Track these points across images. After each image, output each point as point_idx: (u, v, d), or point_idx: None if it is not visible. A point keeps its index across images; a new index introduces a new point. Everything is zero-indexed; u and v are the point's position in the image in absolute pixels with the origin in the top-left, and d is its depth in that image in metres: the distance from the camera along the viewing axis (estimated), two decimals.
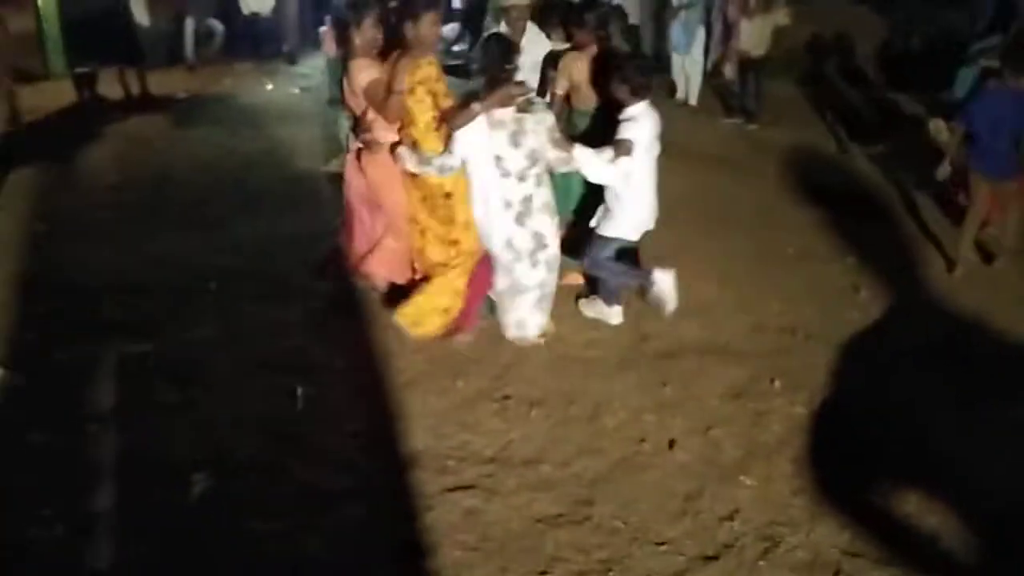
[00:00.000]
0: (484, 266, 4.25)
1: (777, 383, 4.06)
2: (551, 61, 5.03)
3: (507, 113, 3.96)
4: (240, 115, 8.89)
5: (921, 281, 5.28)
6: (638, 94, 4.22)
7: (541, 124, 4.02)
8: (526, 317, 4.30)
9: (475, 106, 3.93)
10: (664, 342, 4.42)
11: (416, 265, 4.43)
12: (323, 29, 8.01)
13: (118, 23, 8.68)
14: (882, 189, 6.93)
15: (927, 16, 11.08)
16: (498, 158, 4.00)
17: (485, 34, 5.12)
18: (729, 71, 9.39)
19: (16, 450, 3.47)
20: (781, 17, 8.84)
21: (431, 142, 4.08)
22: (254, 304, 4.71)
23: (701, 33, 9.51)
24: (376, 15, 4.27)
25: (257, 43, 11.66)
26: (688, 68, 9.57)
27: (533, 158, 4.02)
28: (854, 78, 10.57)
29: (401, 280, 4.52)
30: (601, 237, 4.45)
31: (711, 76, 9.97)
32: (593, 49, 4.74)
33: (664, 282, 4.42)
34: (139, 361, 4.12)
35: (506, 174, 4.02)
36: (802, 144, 8.09)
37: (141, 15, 9.56)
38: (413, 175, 4.15)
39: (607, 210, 4.44)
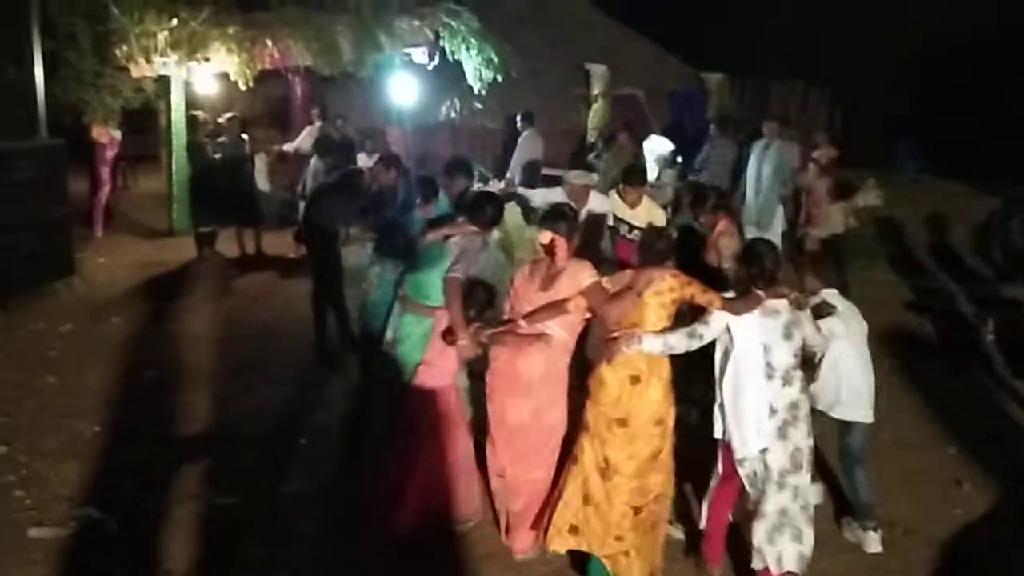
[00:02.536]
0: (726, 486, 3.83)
1: None
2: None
3: (783, 303, 3.68)
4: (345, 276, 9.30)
5: None
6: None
7: (808, 317, 3.79)
8: (763, 546, 3.63)
9: (756, 296, 3.63)
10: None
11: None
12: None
13: (241, 188, 9.42)
14: (982, 378, 6.69)
15: None
16: (767, 349, 3.63)
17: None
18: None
19: None
20: (872, 198, 8.87)
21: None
22: (343, 464, 4.79)
23: (780, 211, 9.50)
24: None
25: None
26: None
27: (799, 355, 3.70)
28: (949, 265, 10.37)
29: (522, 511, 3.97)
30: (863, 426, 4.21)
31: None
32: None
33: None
34: (227, 513, 4.21)
35: (771, 374, 3.63)
36: (894, 328, 7.92)
37: (263, 182, 10.39)
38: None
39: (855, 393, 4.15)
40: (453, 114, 14.14)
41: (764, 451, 3.61)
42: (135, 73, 10.11)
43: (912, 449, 5.31)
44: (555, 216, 3.95)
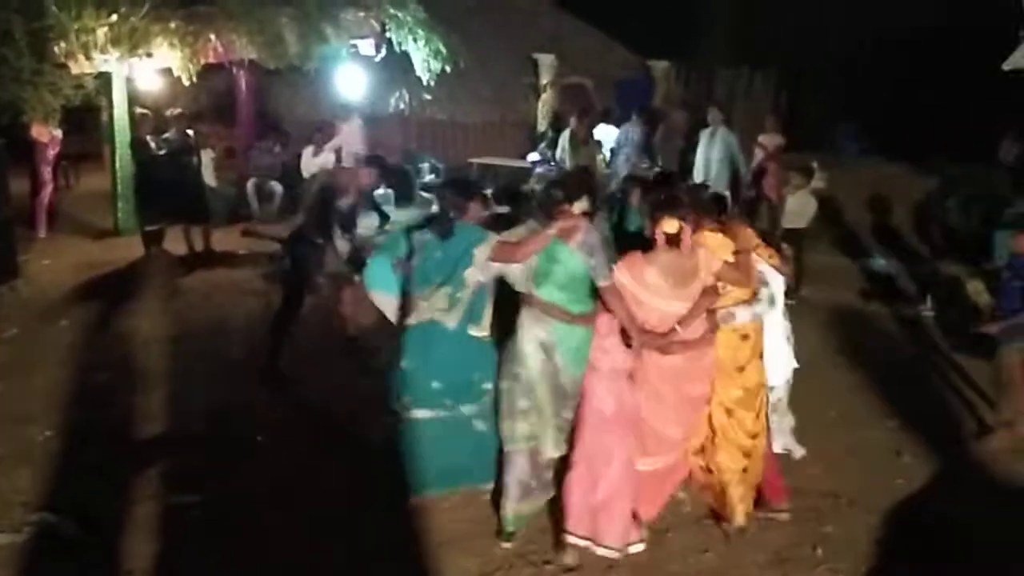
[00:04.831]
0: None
1: (819, 550, 4.00)
2: None
3: None
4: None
5: (964, 446, 5.22)
6: None
7: None
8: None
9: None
10: (704, 506, 4.40)
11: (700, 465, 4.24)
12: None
13: (188, 185, 9.29)
14: (922, 352, 6.94)
15: (965, 175, 11.12)
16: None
17: None
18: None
19: None
20: (816, 181, 9.09)
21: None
22: (302, 458, 4.82)
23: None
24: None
25: None
26: None
27: None
28: (890, 243, 10.71)
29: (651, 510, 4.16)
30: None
31: None
32: None
33: None
34: (186, 512, 4.22)
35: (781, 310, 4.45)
36: (840, 307, 8.16)
37: (210, 178, 10.27)
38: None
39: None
40: (402, 105, 14.11)
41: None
42: (75, 70, 9.87)
43: (856, 424, 5.51)
44: (672, 201, 3.91)
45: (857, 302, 8.51)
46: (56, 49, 9.55)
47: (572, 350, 3.93)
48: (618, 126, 11.62)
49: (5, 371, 6.07)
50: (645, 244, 3.97)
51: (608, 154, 11.31)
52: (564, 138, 10.85)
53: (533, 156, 12.75)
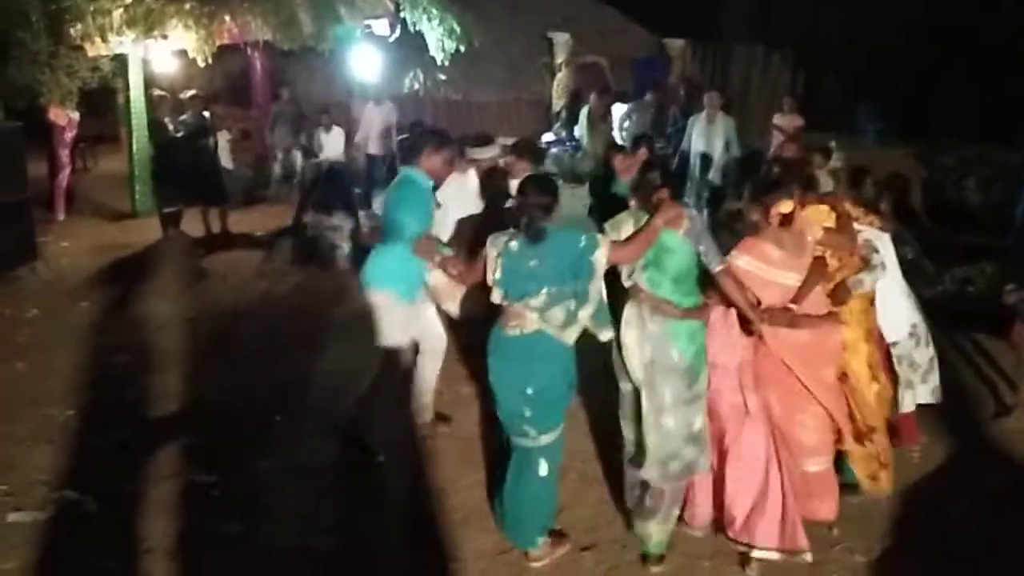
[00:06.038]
0: None
1: (836, 531, 3.99)
2: None
3: None
4: None
5: (982, 426, 5.19)
6: None
7: None
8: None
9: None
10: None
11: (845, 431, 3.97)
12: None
13: (205, 166, 9.33)
14: (941, 332, 6.88)
15: (982, 156, 11.01)
16: None
17: None
18: None
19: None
20: (834, 161, 9.04)
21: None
22: (317, 438, 4.86)
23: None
24: None
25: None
26: None
27: None
28: (909, 223, 10.58)
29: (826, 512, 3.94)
30: None
31: None
32: None
33: None
34: (204, 491, 4.27)
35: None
36: None
37: (226, 160, 10.31)
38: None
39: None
40: (416, 85, 14.08)
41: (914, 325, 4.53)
42: (91, 52, 9.93)
43: None
44: (780, 182, 3.86)
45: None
46: (72, 31, 9.62)
47: (689, 347, 3.65)
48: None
49: (26, 352, 6.15)
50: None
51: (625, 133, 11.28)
52: (583, 116, 10.82)
53: (548, 136, 12.70)
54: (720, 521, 3.82)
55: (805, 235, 3.80)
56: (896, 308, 4.48)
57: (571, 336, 3.61)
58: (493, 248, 3.67)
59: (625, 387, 3.79)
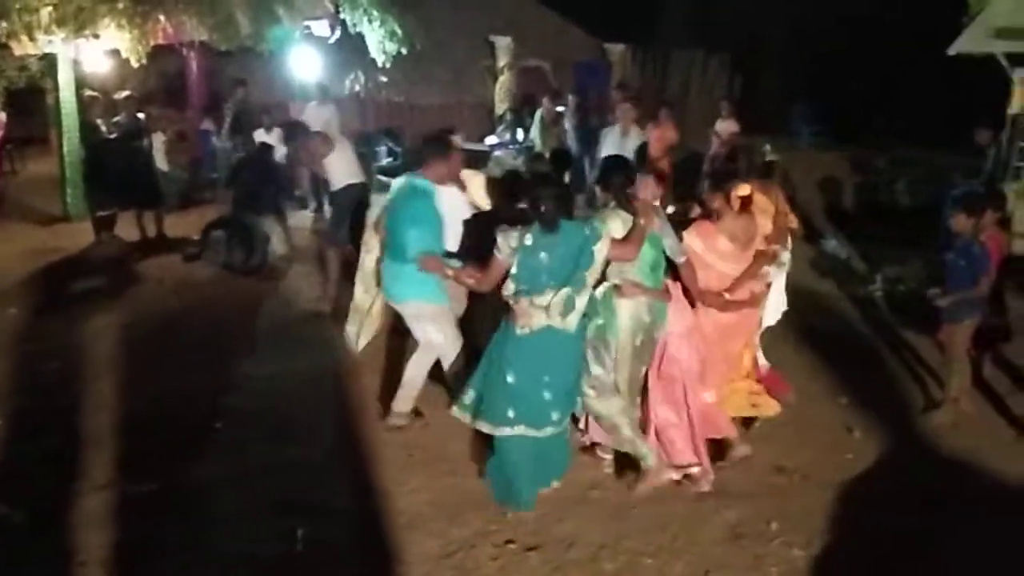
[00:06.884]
0: None
1: (774, 525, 4.08)
2: None
3: None
4: None
5: (911, 422, 5.36)
6: None
7: None
8: None
9: None
10: (662, 485, 4.45)
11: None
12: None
13: (139, 169, 9.10)
14: (872, 331, 7.10)
15: (913, 158, 11.32)
16: None
17: None
18: None
19: None
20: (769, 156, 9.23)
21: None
22: (259, 443, 4.78)
23: None
24: None
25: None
26: None
27: None
28: (841, 225, 10.87)
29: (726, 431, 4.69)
30: None
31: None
32: None
33: None
34: (142, 500, 4.16)
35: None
36: (793, 287, 8.26)
37: (161, 162, 10.07)
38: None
39: None
40: (358, 87, 13.95)
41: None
42: (18, 51, 9.61)
43: (809, 401, 5.61)
44: (736, 172, 4.79)
45: (810, 282, 8.64)
46: None
47: (663, 324, 4.30)
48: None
49: None
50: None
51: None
52: (536, 118, 11.03)
53: (491, 139, 12.72)
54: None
55: (758, 227, 4.46)
56: (778, 298, 5.11)
57: (572, 323, 3.97)
58: (507, 243, 3.93)
59: (597, 371, 4.21)
